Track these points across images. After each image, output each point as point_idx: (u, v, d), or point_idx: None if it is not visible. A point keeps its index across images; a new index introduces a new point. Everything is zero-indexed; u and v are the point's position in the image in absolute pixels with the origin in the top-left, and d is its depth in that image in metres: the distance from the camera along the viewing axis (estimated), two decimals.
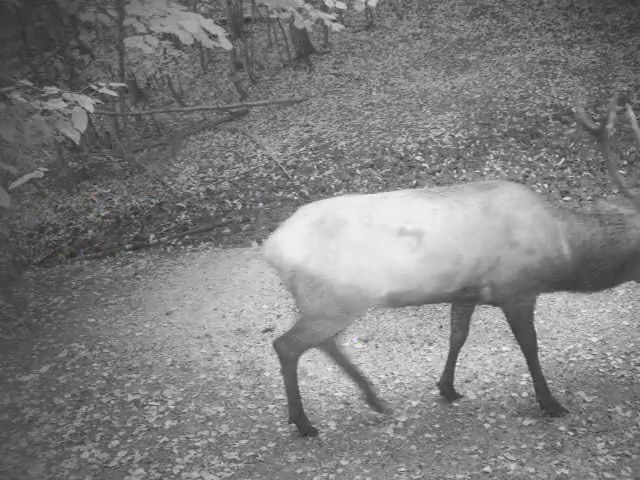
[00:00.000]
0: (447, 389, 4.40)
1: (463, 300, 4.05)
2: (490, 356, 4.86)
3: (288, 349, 3.98)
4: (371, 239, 3.70)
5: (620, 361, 4.60)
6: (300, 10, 6.12)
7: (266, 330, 5.61)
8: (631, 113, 4.21)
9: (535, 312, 5.25)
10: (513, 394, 4.39)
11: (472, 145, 9.05)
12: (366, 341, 5.27)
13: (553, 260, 3.87)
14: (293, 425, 4.22)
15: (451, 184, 8.11)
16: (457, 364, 4.82)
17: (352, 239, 3.70)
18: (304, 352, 4.10)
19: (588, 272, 3.99)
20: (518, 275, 3.82)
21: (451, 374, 4.40)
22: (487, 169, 8.36)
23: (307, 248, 3.72)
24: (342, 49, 14.18)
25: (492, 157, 8.63)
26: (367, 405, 4.33)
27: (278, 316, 5.83)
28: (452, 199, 3.83)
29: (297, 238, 3.77)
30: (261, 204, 8.61)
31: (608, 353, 4.70)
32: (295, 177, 9.22)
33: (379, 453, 4.01)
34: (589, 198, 7.13)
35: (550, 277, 3.91)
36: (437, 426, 4.19)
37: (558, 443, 3.90)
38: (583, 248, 3.93)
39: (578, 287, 4.14)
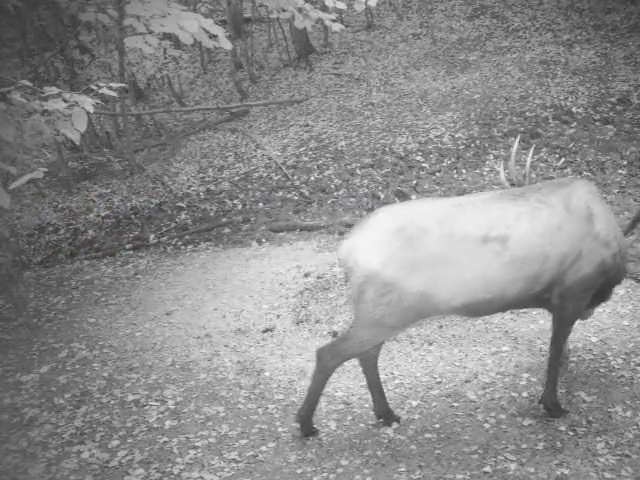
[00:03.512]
0: None
1: (532, 305, 4.08)
2: (490, 356, 4.86)
3: (330, 357, 3.94)
4: (451, 249, 3.67)
5: (620, 361, 4.60)
6: (300, 10, 6.12)
7: (266, 330, 5.61)
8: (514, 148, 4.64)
9: (535, 312, 5.30)
10: (513, 394, 4.40)
11: (472, 145, 9.05)
12: None
13: (616, 256, 3.98)
14: (297, 424, 4.21)
15: (451, 184, 8.12)
16: (457, 364, 4.84)
17: (431, 249, 3.66)
18: (344, 362, 4.07)
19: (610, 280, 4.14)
20: (594, 269, 3.89)
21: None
22: (487, 169, 8.36)
23: (386, 254, 3.68)
24: (342, 49, 14.18)
25: (492, 157, 8.63)
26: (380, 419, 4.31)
27: (278, 316, 5.84)
28: (534, 199, 3.86)
29: (376, 244, 3.73)
30: (261, 204, 8.61)
31: (608, 353, 4.70)
32: (295, 177, 9.22)
33: (379, 453, 4.01)
34: None
35: (605, 276, 4.01)
36: (437, 426, 4.19)
37: (558, 443, 3.90)
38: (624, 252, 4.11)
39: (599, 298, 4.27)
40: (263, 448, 4.17)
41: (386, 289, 3.67)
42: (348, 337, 3.92)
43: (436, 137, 9.51)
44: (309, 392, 4.10)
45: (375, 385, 4.25)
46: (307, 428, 4.17)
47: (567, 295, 3.92)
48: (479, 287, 3.70)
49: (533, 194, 3.90)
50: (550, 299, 3.96)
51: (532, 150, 4.75)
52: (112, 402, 4.83)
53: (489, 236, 3.69)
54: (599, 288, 4.09)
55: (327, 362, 3.96)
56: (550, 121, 9.29)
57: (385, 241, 3.71)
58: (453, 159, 8.76)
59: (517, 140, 4.83)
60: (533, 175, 4.82)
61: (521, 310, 5.35)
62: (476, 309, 3.85)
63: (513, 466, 3.77)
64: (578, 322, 4.98)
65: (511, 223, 3.74)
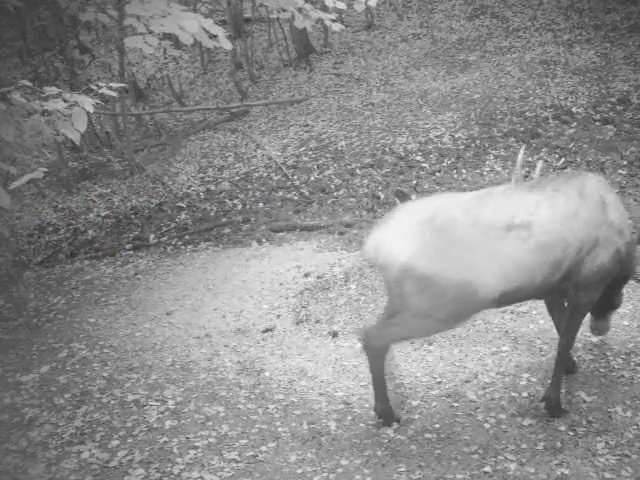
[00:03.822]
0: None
1: (555, 292, 4.10)
2: (490, 356, 4.86)
3: (377, 339, 3.92)
4: (480, 237, 3.68)
5: (620, 361, 4.60)
6: (300, 10, 6.12)
7: (266, 330, 5.61)
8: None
9: (535, 312, 5.30)
10: (513, 394, 4.40)
11: (472, 145, 9.05)
12: None
13: (629, 245, 4.03)
14: (379, 419, 4.15)
15: (451, 184, 8.12)
16: (457, 364, 4.83)
17: (462, 238, 3.67)
18: (392, 344, 4.05)
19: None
20: (610, 258, 3.92)
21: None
22: (487, 169, 8.36)
23: (417, 246, 3.66)
24: (342, 49, 14.18)
25: (492, 157, 8.63)
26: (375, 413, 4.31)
27: (278, 316, 5.84)
28: (550, 188, 3.90)
29: (406, 236, 3.70)
30: (261, 204, 8.61)
31: (608, 353, 4.70)
32: (295, 177, 9.22)
33: (379, 453, 4.01)
34: None
35: (620, 266, 4.04)
36: (437, 426, 4.19)
37: (558, 443, 3.90)
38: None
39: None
40: (263, 448, 4.17)
41: (425, 282, 3.63)
42: (398, 323, 3.87)
43: (436, 137, 9.51)
44: (373, 383, 4.07)
45: (386, 374, 4.23)
46: (390, 417, 4.13)
47: (583, 284, 3.95)
48: (512, 274, 3.72)
49: (548, 184, 3.95)
50: (567, 289, 4.00)
51: (522, 152, 4.79)
52: (112, 402, 4.83)
53: (513, 223, 3.72)
54: (610, 285, 4.12)
55: (374, 342, 3.92)
56: (550, 121, 9.29)
57: (415, 233, 3.69)
58: (453, 159, 8.76)
59: (522, 149, 4.87)
60: (534, 175, 4.84)
61: (521, 310, 5.36)
62: (510, 298, 3.86)
63: (513, 466, 3.77)
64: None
65: (532, 210, 3.77)
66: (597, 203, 3.90)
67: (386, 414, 4.17)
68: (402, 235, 3.72)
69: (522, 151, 4.79)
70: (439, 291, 3.65)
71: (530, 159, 8.41)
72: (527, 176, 7.98)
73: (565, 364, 4.20)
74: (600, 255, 3.90)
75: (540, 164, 5.12)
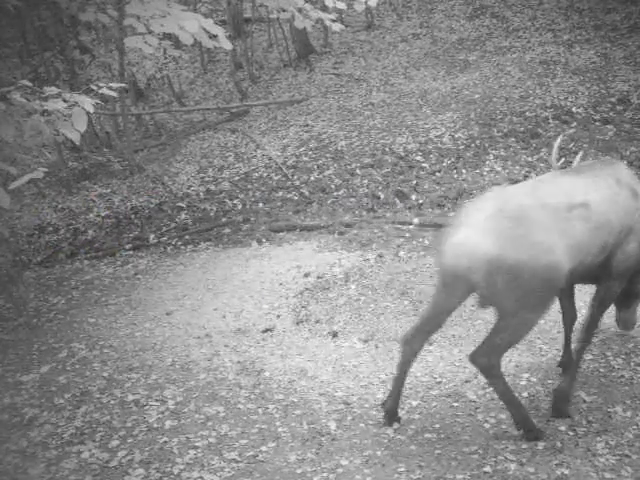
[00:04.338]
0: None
1: (587, 279, 4.15)
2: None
3: (489, 357, 3.86)
4: (550, 217, 3.70)
5: (620, 361, 4.60)
6: (300, 10, 6.13)
7: (266, 330, 5.61)
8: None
9: None
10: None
11: (472, 145, 9.05)
12: (366, 341, 5.27)
13: None
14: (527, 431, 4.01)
15: (451, 184, 8.12)
16: (457, 364, 4.84)
17: (537, 220, 3.67)
18: (503, 354, 3.96)
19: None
20: (639, 246, 3.99)
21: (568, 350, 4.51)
22: (487, 169, 8.36)
23: (498, 239, 3.62)
24: (342, 49, 14.18)
25: (492, 157, 8.63)
26: (382, 413, 4.27)
27: (278, 316, 5.84)
28: (591, 174, 3.97)
29: (484, 232, 3.66)
30: (261, 204, 8.61)
31: (608, 353, 4.70)
32: (295, 177, 9.22)
33: (379, 453, 4.01)
34: None
35: None
36: (437, 426, 4.19)
37: (558, 443, 3.90)
38: None
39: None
40: (263, 448, 4.17)
41: (515, 271, 3.59)
42: (499, 330, 3.83)
43: (436, 137, 9.50)
44: (503, 400, 3.96)
45: (403, 380, 4.21)
46: (533, 432, 3.97)
47: (616, 271, 4.00)
48: (575, 253, 3.75)
49: (588, 170, 4.03)
50: (600, 275, 4.04)
51: (559, 139, 4.92)
52: (112, 402, 4.83)
53: (574, 203, 3.77)
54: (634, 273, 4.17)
55: (488, 363, 3.86)
56: (550, 121, 9.30)
57: (491, 227, 3.66)
58: (453, 159, 8.76)
59: (560, 138, 4.93)
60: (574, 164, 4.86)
61: None
62: (570, 278, 3.87)
63: (513, 466, 3.77)
64: (579, 322, 4.97)
65: (585, 191, 3.84)
66: (631, 192, 3.98)
67: (531, 427, 3.97)
68: (482, 231, 3.67)
69: (559, 139, 4.83)
70: (528, 278, 3.61)
71: (530, 159, 8.41)
72: (527, 176, 7.99)
73: (582, 357, 4.24)
74: (631, 242, 3.97)
75: (581, 154, 5.10)
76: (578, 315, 4.57)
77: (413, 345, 4.11)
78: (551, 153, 4.90)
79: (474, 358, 3.89)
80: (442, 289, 3.93)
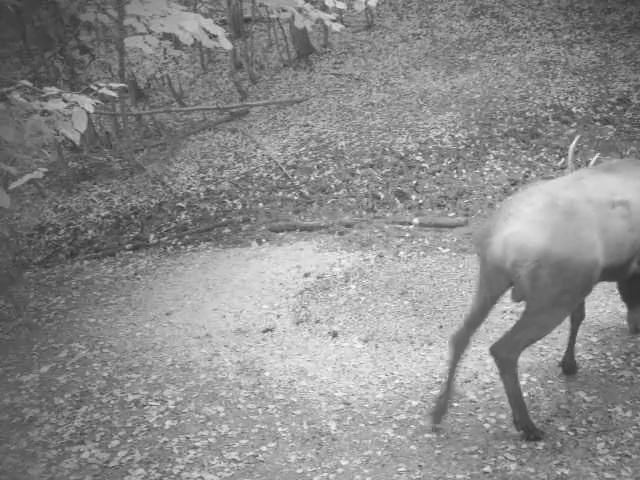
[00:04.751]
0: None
1: (614, 278, 4.16)
2: (490, 356, 4.85)
3: (508, 351, 3.85)
4: (596, 214, 3.71)
5: (620, 361, 4.60)
6: (300, 10, 6.12)
7: (266, 330, 5.61)
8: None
9: None
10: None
11: (472, 145, 9.05)
12: (366, 341, 5.27)
13: None
14: (521, 434, 4.01)
15: (451, 184, 8.12)
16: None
17: (585, 216, 3.68)
18: (522, 351, 3.97)
19: None
20: None
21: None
22: (487, 169, 8.36)
23: (549, 233, 3.62)
24: (342, 49, 14.18)
25: (492, 157, 8.63)
26: (431, 414, 4.20)
27: (278, 316, 5.84)
28: (625, 174, 3.97)
29: (535, 226, 3.65)
30: (261, 204, 8.61)
31: (608, 353, 4.70)
32: (295, 177, 9.22)
33: (379, 453, 4.01)
34: None
35: None
36: (437, 426, 4.18)
37: (558, 443, 3.90)
38: None
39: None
40: (263, 448, 4.17)
41: (561, 266, 3.60)
42: (524, 325, 3.83)
43: (436, 137, 9.50)
44: (510, 398, 3.95)
45: (454, 382, 4.21)
46: (533, 432, 3.96)
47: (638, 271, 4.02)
48: (612, 249, 3.76)
49: (622, 169, 4.03)
50: (622, 274, 4.06)
51: (576, 140, 4.93)
52: (112, 402, 4.83)
53: (615, 200, 3.78)
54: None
55: (507, 355, 3.86)
56: (550, 121, 9.29)
57: (545, 219, 3.66)
58: (453, 159, 8.76)
59: (576, 139, 4.93)
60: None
61: (521, 310, 5.35)
62: (604, 275, 3.88)
63: (513, 466, 3.77)
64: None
65: (623, 190, 3.83)
66: None
67: (530, 428, 3.97)
68: (534, 225, 3.65)
69: (575, 140, 4.84)
70: (571, 274, 3.62)
71: (530, 159, 8.41)
72: (527, 176, 7.99)
73: None
74: None
75: (597, 156, 5.09)
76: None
77: (462, 345, 4.12)
78: (567, 153, 4.87)
79: (495, 351, 3.90)
80: (485, 283, 3.94)
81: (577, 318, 4.48)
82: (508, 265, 3.70)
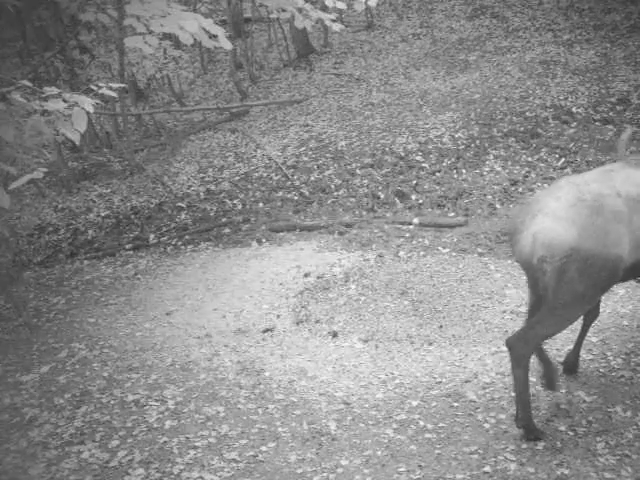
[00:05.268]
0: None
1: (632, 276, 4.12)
2: (490, 356, 4.86)
3: (524, 345, 3.86)
4: (624, 208, 3.69)
5: (620, 361, 4.60)
6: (300, 10, 6.12)
7: (266, 330, 5.61)
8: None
9: None
10: (513, 394, 4.39)
11: (472, 145, 9.05)
12: (366, 341, 5.27)
13: None
14: (521, 432, 4.02)
15: (451, 184, 8.11)
16: (457, 364, 4.84)
17: (614, 211, 3.66)
18: (538, 346, 4.01)
19: None
20: None
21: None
22: (487, 169, 8.36)
23: (579, 227, 3.62)
24: (342, 49, 14.18)
25: (492, 157, 8.63)
26: (544, 384, 4.28)
27: (278, 316, 5.84)
28: None
29: (563, 222, 3.65)
30: (261, 204, 8.61)
31: (608, 353, 4.70)
32: (295, 177, 9.22)
33: (379, 453, 4.01)
34: None
35: None
36: (437, 426, 4.19)
37: (558, 443, 3.90)
38: None
39: None
40: (263, 448, 4.17)
41: (589, 261, 3.61)
42: (543, 320, 3.83)
43: (436, 137, 9.50)
44: (516, 393, 3.96)
45: (545, 359, 4.23)
46: (533, 432, 3.97)
47: None
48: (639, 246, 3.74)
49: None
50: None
51: (629, 132, 4.87)
52: (112, 402, 4.83)
53: None
54: None
55: (523, 350, 3.86)
56: (550, 121, 9.29)
57: (573, 214, 3.65)
58: (453, 159, 8.76)
59: (629, 130, 4.91)
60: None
61: (521, 310, 5.36)
62: (629, 273, 3.87)
63: (513, 466, 3.77)
64: (578, 322, 4.98)
65: None
66: None
67: (531, 427, 3.97)
68: (560, 220, 3.66)
69: (629, 131, 4.82)
70: (598, 269, 3.63)
71: (530, 159, 8.41)
72: (527, 176, 7.99)
73: None
74: None
75: (630, 130, 5.05)
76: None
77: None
78: (617, 145, 4.83)
79: (512, 343, 3.90)
80: (527, 277, 4.00)
81: (591, 316, 4.48)
82: (535, 261, 3.72)
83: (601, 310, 5.17)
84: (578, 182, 3.85)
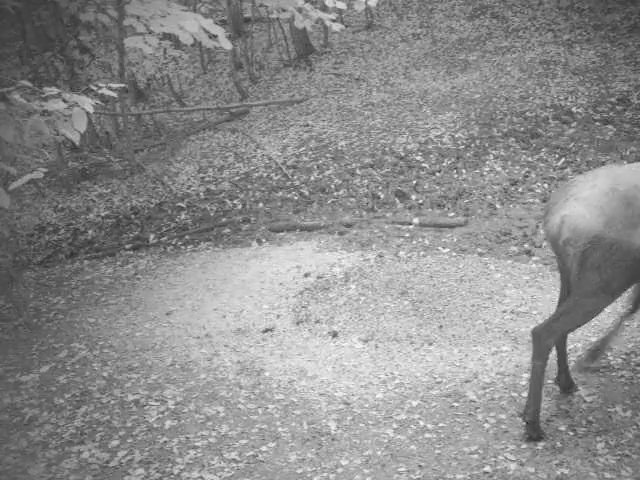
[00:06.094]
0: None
1: None
2: (490, 356, 4.86)
3: (548, 336, 3.89)
4: None
5: (620, 361, 4.60)
6: (300, 10, 6.12)
7: (266, 330, 5.61)
8: None
9: (535, 312, 5.30)
10: (513, 394, 4.40)
11: (472, 145, 9.05)
12: (366, 341, 5.27)
13: None
14: (524, 426, 4.01)
15: (451, 184, 8.11)
16: (457, 364, 4.84)
17: None
18: (562, 337, 4.06)
19: None
20: None
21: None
22: (487, 169, 8.36)
23: (607, 216, 3.65)
24: (342, 49, 14.18)
25: (492, 157, 8.63)
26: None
27: (278, 316, 5.84)
28: None
29: (595, 207, 3.69)
30: (261, 204, 8.61)
31: (608, 353, 4.70)
32: (295, 177, 9.22)
33: (379, 453, 4.01)
34: None
35: None
36: (437, 426, 4.19)
37: (558, 443, 3.90)
38: None
39: None
40: (263, 448, 4.17)
41: (612, 250, 3.65)
42: (568, 310, 3.87)
43: (436, 137, 9.51)
44: (531, 385, 3.97)
45: (563, 356, 4.26)
46: (536, 431, 3.97)
47: None
48: None
49: None
50: None
51: None
52: (112, 402, 4.83)
53: None
54: None
55: (546, 341, 3.89)
56: (550, 121, 9.29)
57: (603, 203, 3.68)
58: (453, 159, 8.76)
59: None
60: None
61: (521, 310, 5.36)
62: None
63: (513, 466, 3.77)
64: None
65: None
66: None
67: (535, 426, 3.97)
68: (591, 207, 3.70)
69: None
70: (623, 257, 3.65)
71: (530, 159, 8.41)
72: (527, 176, 7.99)
73: None
74: None
75: None
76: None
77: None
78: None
79: (538, 332, 3.92)
80: (557, 260, 4.07)
81: (631, 310, 4.49)
82: (561, 242, 3.79)
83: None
84: (617, 172, 3.88)
